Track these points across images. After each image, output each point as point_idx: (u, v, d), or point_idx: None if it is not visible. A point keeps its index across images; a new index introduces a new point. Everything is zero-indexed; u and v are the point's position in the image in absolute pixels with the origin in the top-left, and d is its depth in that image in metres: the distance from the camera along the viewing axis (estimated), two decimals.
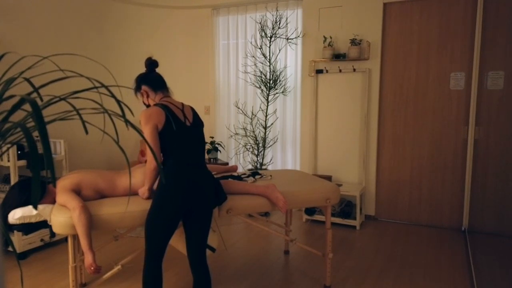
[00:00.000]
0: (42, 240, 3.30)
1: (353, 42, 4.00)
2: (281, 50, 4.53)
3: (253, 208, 2.39)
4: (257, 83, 4.52)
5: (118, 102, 0.96)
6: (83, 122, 0.90)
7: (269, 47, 4.36)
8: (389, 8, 4.01)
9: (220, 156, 4.97)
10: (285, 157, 4.67)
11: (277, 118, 4.65)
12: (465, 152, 3.81)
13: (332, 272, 2.93)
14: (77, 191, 2.22)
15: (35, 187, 0.75)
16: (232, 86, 4.85)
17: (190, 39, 4.98)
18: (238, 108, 4.82)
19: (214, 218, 2.39)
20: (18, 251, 3.12)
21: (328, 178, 4.18)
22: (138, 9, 5.06)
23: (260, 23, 4.58)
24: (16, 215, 2.16)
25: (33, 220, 2.21)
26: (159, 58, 5.12)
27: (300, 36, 4.41)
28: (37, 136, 3.37)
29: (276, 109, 4.63)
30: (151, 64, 2.19)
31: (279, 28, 4.42)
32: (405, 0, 3.92)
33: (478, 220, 3.81)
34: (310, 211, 4.12)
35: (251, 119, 4.74)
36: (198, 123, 2.12)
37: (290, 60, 4.53)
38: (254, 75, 4.68)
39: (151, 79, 2.15)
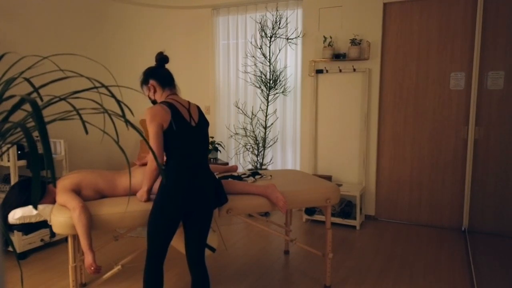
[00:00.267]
0: (42, 240, 3.30)
1: (353, 42, 4.00)
2: (281, 50, 4.53)
3: (253, 208, 2.39)
4: (257, 83, 4.52)
5: (118, 102, 0.96)
6: (83, 122, 0.90)
7: (269, 47, 4.36)
8: (389, 8, 4.01)
9: (220, 156, 4.97)
10: (285, 157, 4.67)
11: (277, 118, 4.65)
12: (465, 152, 3.81)
13: (332, 272, 2.93)
14: (77, 191, 2.22)
15: (35, 187, 0.75)
16: (232, 86, 4.85)
17: (190, 39, 4.98)
18: (238, 108, 4.82)
19: (214, 218, 2.39)
20: (18, 251, 3.12)
21: (328, 178, 4.18)
22: (138, 9, 5.06)
23: (260, 23, 4.58)
24: (16, 215, 2.16)
25: (33, 220, 2.21)
26: None
27: (300, 36, 4.41)
28: (37, 136, 3.37)
29: (276, 109, 4.63)
30: (162, 59, 2.14)
31: (279, 28, 4.42)
32: (405, 0, 3.92)
33: (478, 220, 3.81)
34: (310, 211, 4.12)
35: (251, 119, 4.74)
36: (203, 123, 2.09)
37: (290, 60, 4.53)
38: (254, 75, 4.68)
39: (160, 74, 2.10)
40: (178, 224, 1.99)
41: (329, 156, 4.37)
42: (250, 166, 4.72)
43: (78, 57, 4.36)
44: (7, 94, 0.98)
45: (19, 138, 1.13)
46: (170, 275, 2.90)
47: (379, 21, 3.99)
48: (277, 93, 4.55)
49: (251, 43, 4.68)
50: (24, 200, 2.22)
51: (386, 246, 3.46)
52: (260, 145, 4.47)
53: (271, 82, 4.36)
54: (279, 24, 4.46)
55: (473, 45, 3.70)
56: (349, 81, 4.19)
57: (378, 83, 4.06)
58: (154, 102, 2.15)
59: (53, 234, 3.33)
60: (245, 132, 4.75)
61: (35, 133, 3.23)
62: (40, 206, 2.20)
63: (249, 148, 4.66)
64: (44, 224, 2.27)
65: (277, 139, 4.67)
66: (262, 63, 4.63)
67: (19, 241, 3.12)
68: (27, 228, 2.24)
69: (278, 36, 4.49)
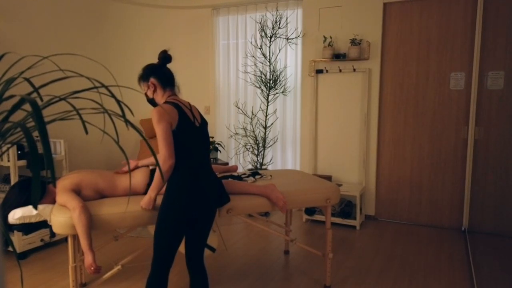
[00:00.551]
0: (42, 240, 3.30)
1: (353, 42, 4.00)
2: (281, 50, 4.53)
3: (253, 208, 2.39)
4: (257, 83, 4.52)
5: (118, 102, 0.96)
6: (83, 122, 0.90)
7: (269, 47, 4.36)
8: (389, 8, 4.01)
9: (220, 156, 4.97)
10: (285, 157, 4.67)
11: (277, 118, 4.65)
12: (465, 152, 3.81)
13: (332, 272, 2.93)
14: (77, 191, 2.22)
15: (35, 187, 0.75)
16: (232, 86, 4.85)
17: (190, 39, 4.98)
18: (238, 108, 4.82)
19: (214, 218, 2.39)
20: (18, 251, 3.12)
21: (328, 178, 4.18)
22: (138, 9, 5.06)
23: (260, 23, 4.58)
24: (16, 215, 2.16)
25: (33, 220, 2.21)
26: None
27: (300, 36, 4.41)
28: (37, 136, 3.37)
29: (276, 109, 4.63)
30: (165, 58, 2.05)
31: (279, 28, 4.42)
32: (405, 0, 3.92)
33: (478, 220, 3.81)
34: (310, 211, 4.12)
35: (251, 119, 4.74)
36: (204, 123, 2.07)
37: (290, 60, 4.53)
38: (254, 75, 4.68)
39: (162, 73, 2.02)
40: (186, 230, 1.95)
41: (329, 156, 4.37)
42: (250, 166, 4.72)
43: (78, 57, 4.36)
44: (7, 94, 0.98)
45: (19, 138, 1.13)
46: (170, 275, 2.89)
47: (379, 21, 3.99)
48: (277, 93, 4.55)
49: (251, 43, 4.68)
50: (24, 200, 2.22)
51: (386, 246, 3.46)
52: (260, 145, 4.47)
53: (271, 82, 4.36)
54: (279, 24, 4.46)
55: (473, 45, 3.70)
56: (349, 81, 4.19)
57: (378, 83, 4.06)
58: (151, 100, 2.08)
59: (53, 234, 3.33)
60: (245, 132, 4.75)
61: (35, 133, 3.23)
62: (40, 206, 2.20)
63: (249, 148, 4.66)
64: (44, 224, 2.27)
65: (277, 139, 4.67)
66: (262, 63, 4.63)
67: (19, 241, 3.12)
68: (27, 228, 2.24)
69: (278, 36, 4.49)
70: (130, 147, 5.25)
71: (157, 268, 1.91)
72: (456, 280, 2.81)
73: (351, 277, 2.86)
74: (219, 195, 2.20)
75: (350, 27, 4.12)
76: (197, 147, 1.95)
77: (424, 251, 3.35)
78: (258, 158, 4.49)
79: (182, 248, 2.38)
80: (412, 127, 4.01)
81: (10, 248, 3.26)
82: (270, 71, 4.35)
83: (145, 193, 2.38)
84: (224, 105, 4.93)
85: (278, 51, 4.54)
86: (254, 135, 4.49)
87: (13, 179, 3.08)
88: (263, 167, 4.52)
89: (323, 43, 4.23)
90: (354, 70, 4.10)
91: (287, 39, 4.48)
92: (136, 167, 2.46)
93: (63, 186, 2.19)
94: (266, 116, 4.44)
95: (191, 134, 1.93)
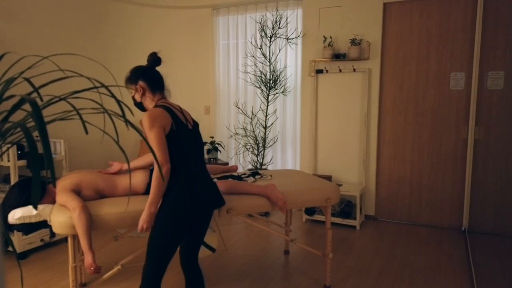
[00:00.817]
0: (42, 240, 3.30)
1: (353, 42, 4.00)
2: (281, 50, 4.53)
3: (253, 208, 2.39)
4: (257, 83, 4.52)
5: (118, 102, 0.96)
6: (83, 122, 0.90)
7: (269, 47, 4.36)
8: (389, 8, 4.01)
9: (220, 156, 4.97)
10: (285, 157, 4.67)
11: (277, 118, 4.65)
12: (465, 152, 3.81)
13: (332, 272, 2.93)
14: (77, 191, 2.22)
15: (35, 187, 0.75)
16: (232, 86, 4.85)
17: (190, 39, 4.98)
18: (238, 108, 4.82)
19: (214, 218, 2.39)
20: (18, 251, 3.12)
21: (328, 178, 4.18)
22: (138, 9, 5.06)
23: (260, 23, 4.58)
24: (16, 215, 2.16)
25: (33, 220, 2.21)
26: None
27: (300, 36, 4.41)
28: (37, 136, 3.37)
29: (276, 109, 4.63)
30: (155, 60, 2.01)
31: (279, 28, 4.42)
32: (405, 0, 3.92)
33: (478, 220, 3.81)
34: (310, 211, 4.12)
35: (251, 119, 4.74)
36: (196, 125, 2.04)
37: (290, 60, 4.53)
38: (254, 75, 4.68)
39: (151, 76, 1.96)
40: (183, 238, 1.90)
41: (329, 156, 4.37)
42: (250, 166, 4.72)
43: (78, 57, 4.36)
44: (7, 94, 0.98)
45: (19, 138, 1.13)
46: (169, 275, 2.89)
47: (379, 21, 3.99)
48: (277, 93, 4.55)
49: (251, 43, 4.68)
50: (24, 200, 2.22)
51: (386, 246, 3.46)
52: (260, 145, 4.47)
53: (271, 82, 4.36)
54: (279, 24, 4.46)
55: (473, 45, 3.70)
56: (349, 81, 4.19)
57: (378, 83, 4.06)
58: (138, 104, 2.02)
59: (53, 234, 3.33)
60: (245, 132, 4.75)
61: (35, 133, 3.23)
62: (40, 206, 2.20)
63: (249, 148, 4.66)
64: (44, 224, 2.27)
65: (277, 139, 4.67)
66: (262, 63, 4.63)
67: (19, 241, 3.12)
68: (27, 228, 2.24)
69: (278, 36, 4.49)
70: (130, 147, 5.25)
71: (150, 278, 1.82)
72: (456, 280, 2.81)
73: (351, 277, 2.86)
74: (216, 196, 2.20)
75: (350, 27, 4.12)
76: (191, 150, 1.92)
77: (424, 251, 3.35)
78: (258, 158, 4.50)
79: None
80: (412, 127, 4.01)
81: (10, 248, 3.26)
82: (270, 71, 4.35)
83: (145, 193, 2.38)
84: (224, 105, 4.93)
85: (278, 51, 4.54)
86: (254, 135, 4.49)
87: (13, 179, 3.08)
88: (263, 167, 4.52)
89: (323, 43, 4.23)
90: (354, 70, 4.10)
91: (287, 39, 4.48)
92: (121, 170, 2.42)
93: (63, 186, 2.19)
94: (266, 116, 4.44)
95: (185, 137, 1.90)
